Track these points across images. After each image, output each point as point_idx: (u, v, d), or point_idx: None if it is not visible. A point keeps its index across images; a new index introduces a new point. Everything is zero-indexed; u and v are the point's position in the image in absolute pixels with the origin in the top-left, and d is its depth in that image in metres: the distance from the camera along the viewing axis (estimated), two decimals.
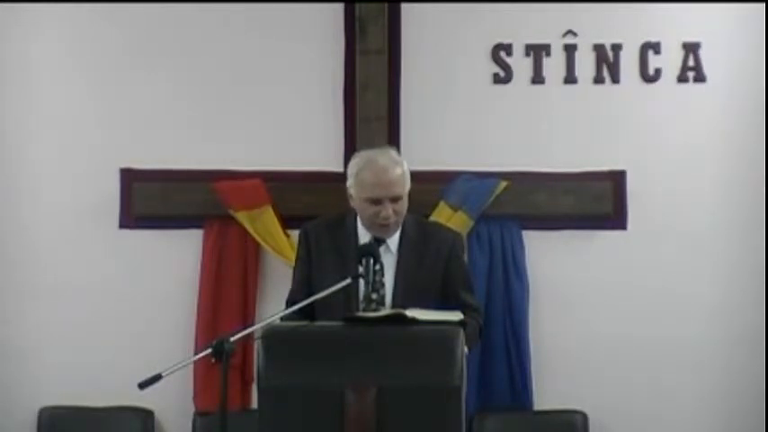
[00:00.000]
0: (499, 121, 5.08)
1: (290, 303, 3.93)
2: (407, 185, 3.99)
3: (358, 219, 4.02)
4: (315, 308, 3.76)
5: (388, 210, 3.92)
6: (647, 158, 5.05)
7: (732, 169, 5.05)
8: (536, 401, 4.96)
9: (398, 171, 3.96)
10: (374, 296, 3.71)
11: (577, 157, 5.05)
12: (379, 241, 3.97)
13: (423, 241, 4.03)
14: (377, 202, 3.92)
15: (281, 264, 4.93)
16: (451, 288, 4.00)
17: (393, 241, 4.00)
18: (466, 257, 4.34)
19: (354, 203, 4.00)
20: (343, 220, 4.07)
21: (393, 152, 4.08)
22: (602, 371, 5.00)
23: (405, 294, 3.91)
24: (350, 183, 4.00)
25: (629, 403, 4.99)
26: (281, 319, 3.68)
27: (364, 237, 4.00)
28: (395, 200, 3.93)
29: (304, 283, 3.99)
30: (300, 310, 3.65)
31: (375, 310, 3.63)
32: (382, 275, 3.86)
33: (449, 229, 4.26)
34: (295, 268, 4.13)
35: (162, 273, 5.02)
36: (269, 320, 3.58)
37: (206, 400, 4.85)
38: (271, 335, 3.47)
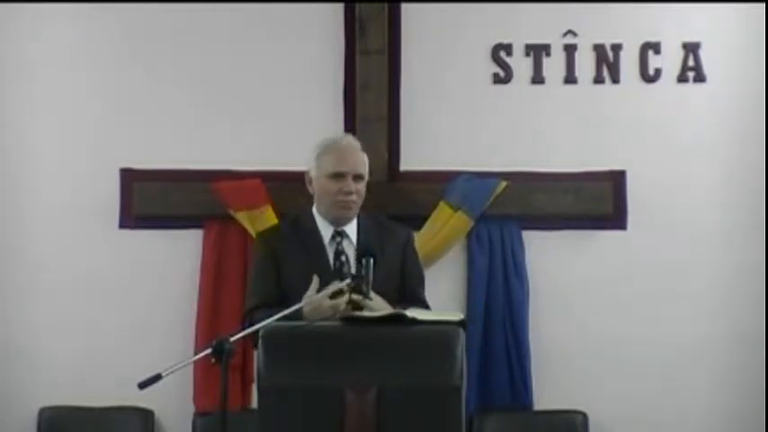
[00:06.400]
0: (499, 121, 5.08)
1: (256, 310, 3.84)
2: (367, 173, 4.06)
3: (314, 213, 4.04)
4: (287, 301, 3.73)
5: (351, 185, 3.97)
6: (646, 158, 5.05)
7: (732, 169, 5.05)
8: (536, 401, 4.96)
9: (361, 153, 4.05)
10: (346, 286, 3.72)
11: (577, 157, 5.05)
12: (340, 234, 4.00)
13: (379, 231, 4.05)
14: (340, 177, 3.97)
15: None
16: (409, 285, 4.03)
17: (352, 233, 4.02)
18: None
19: (315, 187, 4.03)
20: (298, 220, 4.08)
21: (355, 139, 4.17)
22: (602, 371, 5.00)
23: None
24: (311, 167, 4.05)
25: (629, 403, 4.99)
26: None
27: (325, 230, 4.01)
28: (357, 178, 3.99)
29: (274, 287, 3.95)
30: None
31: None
32: (349, 267, 3.93)
33: (403, 226, 4.26)
34: (258, 276, 4.00)
35: (162, 273, 5.02)
36: (269, 320, 3.57)
37: (206, 400, 4.85)
38: (271, 335, 3.47)
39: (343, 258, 3.95)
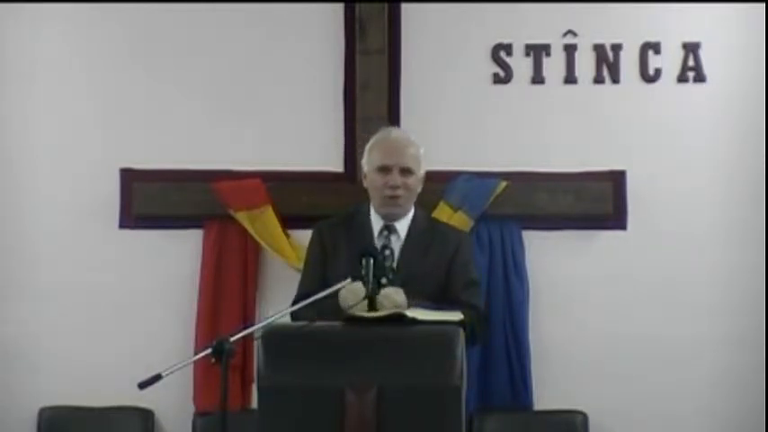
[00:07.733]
0: (499, 121, 5.08)
1: (298, 301, 3.94)
2: (420, 168, 4.12)
3: (371, 207, 4.08)
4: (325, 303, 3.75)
5: (397, 179, 4.02)
6: (647, 158, 5.05)
7: (732, 169, 5.05)
8: (536, 401, 4.96)
9: (411, 146, 4.10)
10: (384, 281, 3.76)
11: (577, 157, 5.05)
12: (388, 228, 4.06)
13: (431, 234, 4.11)
14: (386, 170, 4.04)
15: (281, 264, 4.94)
16: (451, 287, 4.05)
17: (403, 229, 4.07)
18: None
19: (368, 182, 4.11)
20: (356, 215, 4.15)
21: (408, 133, 4.22)
22: (602, 371, 5.00)
23: (405, 280, 3.93)
24: (364, 161, 4.15)
25: (629, 403, 4.99)
26: (291, 314, 3.69)
27: (377, 224, 4.07)
28: (404, 172, 4.05)
29: (318, 280, 4.00)
30: (311, 305, 3.64)
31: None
32: (392, 261, 4.00)
33: (457, 230, 4.36)
34: (307, 267, 4.16)
35: (162, 273, 5.02)
36: (269, 320, 3.58)
37: (206, 400, 4.85)
38: (271, 335, 3.47)
39: (387, 253, 4.00)
